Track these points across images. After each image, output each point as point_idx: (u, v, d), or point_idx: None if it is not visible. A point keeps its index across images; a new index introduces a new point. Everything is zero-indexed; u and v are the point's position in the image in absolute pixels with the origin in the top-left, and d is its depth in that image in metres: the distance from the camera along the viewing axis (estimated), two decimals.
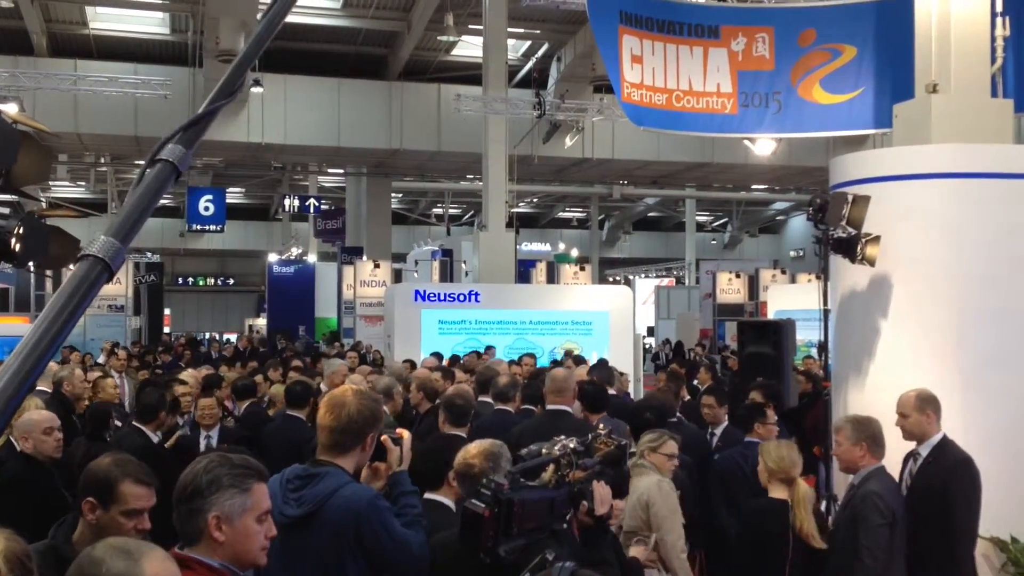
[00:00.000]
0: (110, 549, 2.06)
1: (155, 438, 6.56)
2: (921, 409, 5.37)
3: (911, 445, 5.45)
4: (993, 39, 7.62)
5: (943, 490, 5.11)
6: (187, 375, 9.49)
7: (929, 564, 5.08)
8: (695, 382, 12.14)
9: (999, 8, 7.72)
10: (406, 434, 3.73)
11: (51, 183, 30.06)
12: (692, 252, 40.94)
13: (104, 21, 24.12)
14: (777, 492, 5.07)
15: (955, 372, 6.44)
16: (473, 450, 3.83)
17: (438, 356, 13.35)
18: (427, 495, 4.17)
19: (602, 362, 11.58)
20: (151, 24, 24.65)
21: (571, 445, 3.33)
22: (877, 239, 6.49)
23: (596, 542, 3.65)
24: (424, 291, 18.16)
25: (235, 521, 2.60)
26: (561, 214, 47.24)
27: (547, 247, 39.65)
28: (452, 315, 17.64)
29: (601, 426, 3.87)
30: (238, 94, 1.40)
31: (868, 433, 4.94)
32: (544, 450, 3.31)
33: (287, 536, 3.23)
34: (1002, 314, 6.50)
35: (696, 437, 7.22)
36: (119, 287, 23.54)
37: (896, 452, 5.44)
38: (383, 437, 3.62)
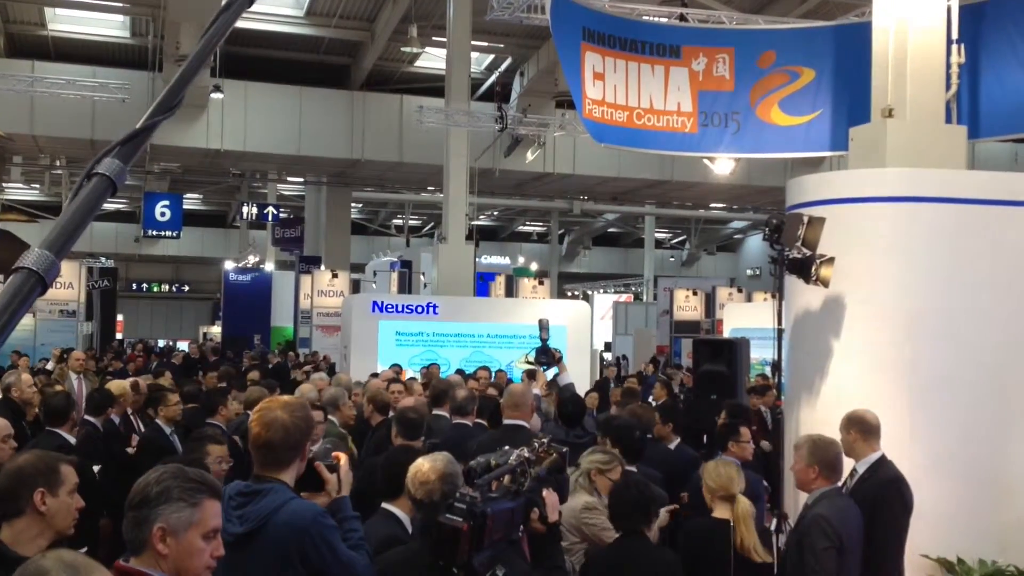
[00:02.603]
0: (58, 562, 2.02)
1: (72, 440, 6.54)
2: (846, 429, 5.46)
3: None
4: (948, 66, 7.77)
5: (872, 507, 5.16)
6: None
7: None
8: (650, 399, 12.17)
9: (955, 36, 7.87)
10: (343, 458, 3.61)
11: (4, 185, 29.57)
12: (650, 268, 41.09)
13: (63, 23, 23.85)
14: (719, 511, 5.08)
15: (905, 393, 6.52)
16: (429, 474, 3.71)
17: (396, 368, 13.27)
18: (384, 505, 4.14)
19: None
20: (111, 27, 24.40)
21: (525, 454, 3.35)
22: (831, 260, 6.56)
23: (549, 548, 3.66)
24: (382, 302, 18.06)
25: (180, 535, 2.56)
26: (521, 228, 47.33)
27: (506, 260, 39.65)
28: (410, 327, 17.57)
29: (540, 434, 3.89)
30: (177, 110, 1.38)
31: (822, 457, 4.94)
32: (493, 461, 3.31)
33: (230, 554, 3.16)
34: (952, 337, 6.59)
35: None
36: (71, 292, 22.98)
37: None
38: (316, 464, 3.50)
